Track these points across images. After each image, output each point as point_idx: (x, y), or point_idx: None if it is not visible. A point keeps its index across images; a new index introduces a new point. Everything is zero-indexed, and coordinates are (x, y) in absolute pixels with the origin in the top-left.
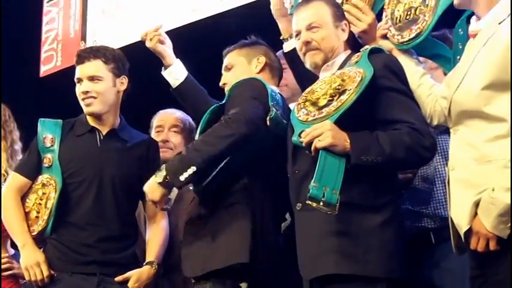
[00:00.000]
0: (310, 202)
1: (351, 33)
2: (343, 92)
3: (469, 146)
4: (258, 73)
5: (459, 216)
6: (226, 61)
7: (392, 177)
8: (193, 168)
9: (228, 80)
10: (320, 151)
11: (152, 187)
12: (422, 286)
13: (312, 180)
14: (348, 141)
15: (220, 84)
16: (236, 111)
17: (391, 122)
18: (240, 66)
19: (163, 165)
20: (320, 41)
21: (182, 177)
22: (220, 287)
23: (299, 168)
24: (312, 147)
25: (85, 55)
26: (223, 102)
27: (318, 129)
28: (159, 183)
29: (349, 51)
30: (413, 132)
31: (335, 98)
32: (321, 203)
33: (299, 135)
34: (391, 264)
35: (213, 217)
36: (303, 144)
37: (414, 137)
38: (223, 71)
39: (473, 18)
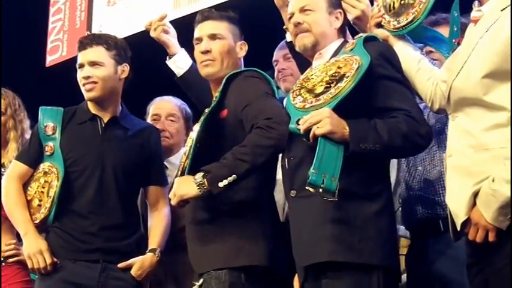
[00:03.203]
0: (309, 188)
1: (344, 22)
2: (340, 79)
3: (467, 133)
4: (239, 59)
5: (456, 205)
6: (214, 28)
7: (386, 165)
8: (234, 177)
9: (213, 49)
10: (319, 138)
11: (187, 182)
12: (428, 272)
13: (311, 167)
14: (347, 128)
15: (203, 49)
16: (271, 116)
17: (387, 110)
18: (228, 43)
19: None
20: (311, 24)
21: (221, 184)
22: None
23: (294, 154)
24: (311, 134)
25: (87, 41)
26: (217, 100)
27: (316, 116)
28: (197, 184)
29: (342, 39)
30: (410, 120)
31: (332, 85)
32: (320, 190)
33: (297, 123)
34: (387, 252)
35: (226, 218)
36: (301, 132)
37: (411, 125)
38: (205, 37)
39: (475, 3)
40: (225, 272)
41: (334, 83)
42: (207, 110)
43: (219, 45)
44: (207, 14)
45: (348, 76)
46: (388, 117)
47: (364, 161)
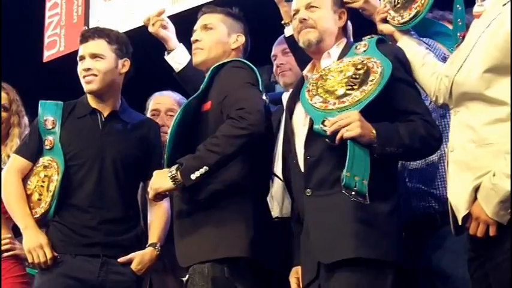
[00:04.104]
0: (344, 191)
1: (347, 23)
2: (363, 82)
3: (469, 128)
4: (233, 50)
5: (457, 200)
6: (207, 20)
7: (396, 164)
8: (205, 168)
9: (203, 39)
10: (348, 141)
11: (162, 176)
12: (425, 267)
13: (344, 170)
14: (374, 132)
15: (192, 39)
16: (243, 106)
17: (402, 113)
18: (219, 33)
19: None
20: (316, 20)
21: (193, 176)
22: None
23: (311, 153)
24: (338, 136)
25: (89, 34)
26: (200, 91)
27: (345, 119)
28: (170, 176)
29: (345, 40)
30: (426, 124)
31: (355, 88)
32: (353, 193)
33: (322, 123)
34: (400, 249)
35: (207, 210)
36: (328, 133)
37: (427, 129)
38: (198, 28)
39: None
40: (208, 266)
41: (357, 85)
42: (185, 102)
43: (207, 35)
44: (204, 9)
45: (373, 80)
46: (405, 121)
47: (382, 162)
